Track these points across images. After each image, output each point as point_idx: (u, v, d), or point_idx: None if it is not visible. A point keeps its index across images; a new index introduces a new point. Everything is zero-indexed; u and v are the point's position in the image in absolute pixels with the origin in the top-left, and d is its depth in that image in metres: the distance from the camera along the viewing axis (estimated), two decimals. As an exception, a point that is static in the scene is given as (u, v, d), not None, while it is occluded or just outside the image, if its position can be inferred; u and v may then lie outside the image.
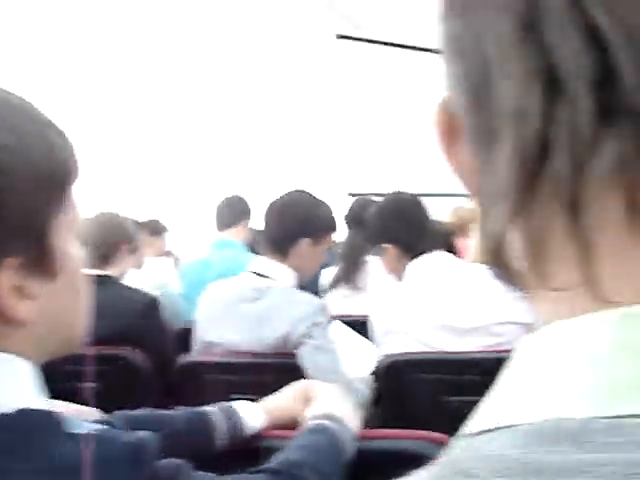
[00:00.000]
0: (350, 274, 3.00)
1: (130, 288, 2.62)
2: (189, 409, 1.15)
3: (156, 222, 4.66)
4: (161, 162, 6.11)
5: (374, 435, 1.17)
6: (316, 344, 2.06)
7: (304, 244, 2.20)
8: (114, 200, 4.49)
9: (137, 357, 2.39)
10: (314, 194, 2.31)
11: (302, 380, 1.30)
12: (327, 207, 2.31)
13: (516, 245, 0.34)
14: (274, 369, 2.09)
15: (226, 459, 1.13)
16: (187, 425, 1.10)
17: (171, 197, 5.95)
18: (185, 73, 6.23)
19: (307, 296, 2.16)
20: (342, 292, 3.00)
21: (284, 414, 1.22)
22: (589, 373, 0.30)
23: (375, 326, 2.17)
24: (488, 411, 0.33)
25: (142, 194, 5.72)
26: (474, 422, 0.33)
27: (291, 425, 1.18)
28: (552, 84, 0.30)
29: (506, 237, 0.33)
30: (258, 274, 2.21)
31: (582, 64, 0.29)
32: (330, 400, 1.17)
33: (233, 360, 2.18)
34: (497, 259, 0.34)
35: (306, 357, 2.05)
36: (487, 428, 0.32)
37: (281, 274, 2.19)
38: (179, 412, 1.14)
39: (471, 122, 0.35)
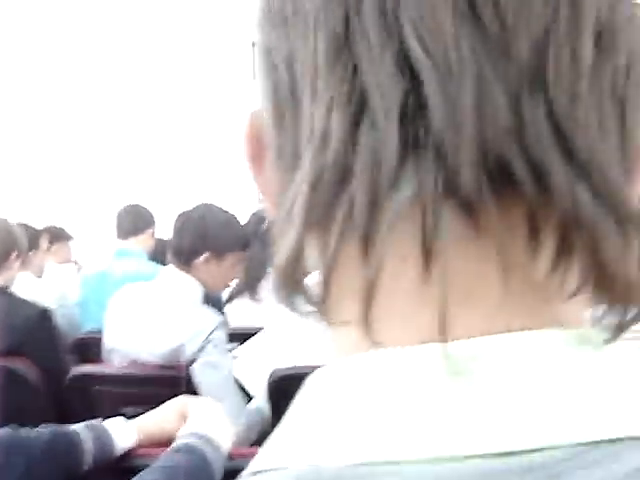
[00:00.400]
0: (251, 286, 2.99)
1: (21, 299, 2.53)
2: (55, 428, 1.12)
3: (60, 229, 4.54)
4: (70, 169, 5.97)
5: (247, 453, 1.16)
6: (208, 360, 2.06)
7: (204, 259, 2.19)
8: (16, 207, 4.35)
9: (29, 370, 2.33)
10: (225, 209, 2.30)
11: (180, 397, 1.29)
12: (235, 224, 2.30)
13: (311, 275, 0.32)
14: (167, 382, 2.07)
15: (94, 479, 1.11)
16: (51, 445, 1.07)
17: (78, 204, 5.81)
18: (90, 76, 6.10)
19: (206, 311, 2.15)
20: (242, 303, 2.99)
21: (159, 432, 1.20)
22: (350, 418, 0.29)
23: (268, 339, 2.17)
24: (268, 450, 0.32)
25: (48, 201, 5.57)
26: (254, 461, 0.32)
27: (167, 443, 1.16)
28: (359, 110, 0.29)
29: (298, 268, 0.31)
30: (164, 284, 2.20)
31: (391, 92, 0.28)
32: (204, 418, 1.16)
33: (125, 372, 2.16)
34: (289, 288, 0.32)
35: (197, 372, 2.05)
36: (261, 469, 0.31)
37: (186, 286, 2.18)
38: (44, 431, 1.10)
39: (277, 141, 0.33)
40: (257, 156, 0.36)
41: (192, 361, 2.06)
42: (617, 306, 0.29)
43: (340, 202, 0.29)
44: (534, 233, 0.29)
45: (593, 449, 0.27)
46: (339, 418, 0.29)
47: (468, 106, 0.27)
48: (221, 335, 2.11)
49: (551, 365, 0.28)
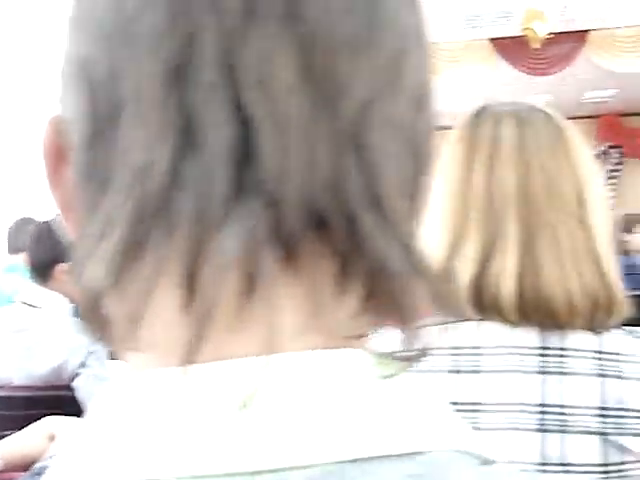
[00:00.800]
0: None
1: None
2: None
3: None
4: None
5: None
6: (93, 373, 2.01)
7: (61, 269, 2.13)
8: None
9: None
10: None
11: (47, 417, 1.25)
12: None
13: (114, 299, 0.32)
14: (49, 402, 2.00)
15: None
16: None
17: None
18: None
19: None
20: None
21: (25, 455, 1.16)
22: (119, 438, 0.29)
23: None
24: (53, 468, 0.31)
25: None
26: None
27: (32, 466, 1.12)
28: (187, 146, 0.28)
29: (105, 292, 0.31)
30: (27, 303, 2.12)
31: (223, 135, 0.28)
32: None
33: (4, 394, 2.08)
34: (91, 313, 0.32)
35: (82, 388, 2.00)
36: None
37: (51, 302, 2.12)
38: None
39: (85, 159, 0.32)
40: (56, 168, 0.35)
41: (74, 377, 2.01)
42: (411, 342, 0.32)
43: (160, 236, 0.29)
44: (344, 277, 0.31)
45: (351, 466, 0.28)
46: (115, 437, 0.29)
47: (296, 159, 0.28)
48: (101, 346, 2.06)
49: (327, 388, 0.29)
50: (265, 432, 0.28)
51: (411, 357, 0.32)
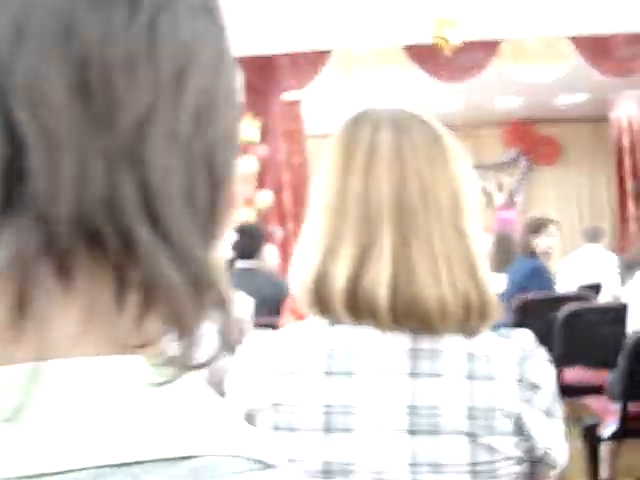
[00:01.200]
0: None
1: None
2: None
3: None
4: None
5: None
6: None
7: None
8: None
9: None
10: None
11: None
12: None
13: None
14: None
15: None
16: None
17: None
18: None
19: None
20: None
21: None
22: None
23: None
24: None
25: None
26: None
27: None
28: None
29: None
30: None
31: None
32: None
33: None
34: None
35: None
36: None
37: None
38: None
39: None
40: None
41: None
42: (188, 350, 0.33)
43: None
44: (122, 289, 0.32)
45: (116, 471, 0.29)
46: None
47: (67, 176, 0.29)
48: None
49: (95, 395, 0.30)
50: (28, 440, 0.28)
51: (191, 365, 0.32)
